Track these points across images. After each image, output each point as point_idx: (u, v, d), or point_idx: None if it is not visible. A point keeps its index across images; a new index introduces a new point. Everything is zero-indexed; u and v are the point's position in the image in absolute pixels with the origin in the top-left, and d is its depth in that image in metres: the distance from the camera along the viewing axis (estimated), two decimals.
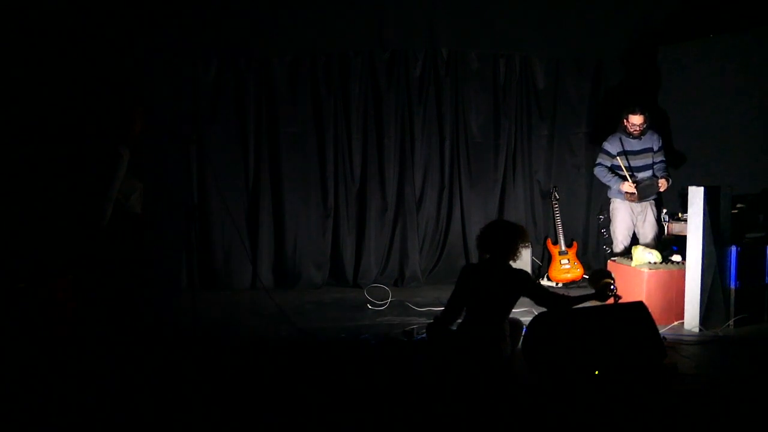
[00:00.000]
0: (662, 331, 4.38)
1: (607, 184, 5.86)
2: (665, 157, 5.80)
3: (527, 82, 6.70)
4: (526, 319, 4.20)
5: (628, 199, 5.71)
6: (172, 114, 5.54)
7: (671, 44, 6.38)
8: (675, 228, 5.64)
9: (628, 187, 5.62)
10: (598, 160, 5.89)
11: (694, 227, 4.94)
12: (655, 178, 5.67)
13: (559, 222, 6.43)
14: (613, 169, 5.78)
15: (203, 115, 6.22)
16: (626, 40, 6.60)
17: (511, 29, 6.49)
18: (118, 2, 5.45)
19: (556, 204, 6.46)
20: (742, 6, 5.72)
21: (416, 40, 6.45)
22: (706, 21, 5.99)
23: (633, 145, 5.72)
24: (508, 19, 6.43)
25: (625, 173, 5.64)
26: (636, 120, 5.64)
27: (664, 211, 5.81)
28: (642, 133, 5.69)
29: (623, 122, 5.73)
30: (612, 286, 4.01)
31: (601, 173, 5.86)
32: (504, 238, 4.07)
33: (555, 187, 6.57)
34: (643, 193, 5.64)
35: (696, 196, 4.91)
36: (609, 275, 4.34)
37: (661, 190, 5.67)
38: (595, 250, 6.88)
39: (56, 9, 5.26)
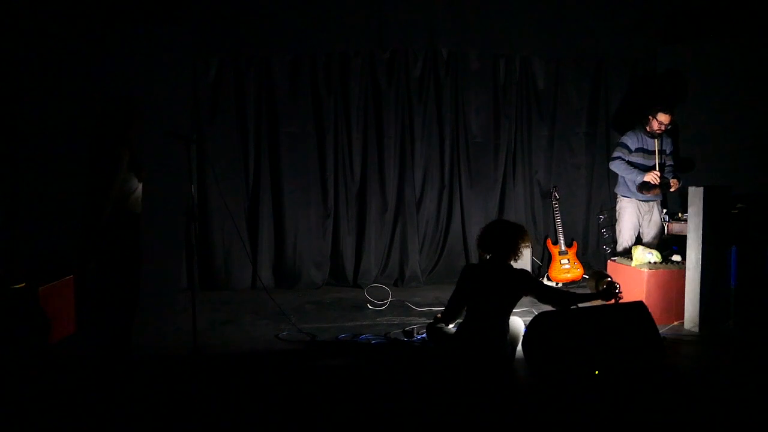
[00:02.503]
0: (662, 331, 4.39)
1: (627, 176, 5.73)
2: (674, 161, 5.81)
3: (527, 82, 6.69)
4: (526, 319, 4.21)
5: (644, 191, 5.65)
6: (172, 114, 5.54)
7: (671, 44, 6.38)
8: (675, 228, 5.65)
9: (654, 177, 5.55)
10: (617, 154, 5.79)
11: (694, 227, 4.95)
12: (665, 178, 5.68)
13: (559, 222, 6.43)
14: (633, 164, 5.73)
15: (203, 115, 6.22)
16: (626, 40, 6.60)
17: (511, 29, 6.50)
18: (119, 2, 5.45)
19: (556, 204, 6.46)
20: (741, 7, 5.72)
21: (416, 40, 6.45)
22: (706, 22, 6.00)
23: (649, 144, 5.70)
24: (508, 19, 6.45)
25: (656, 162, 5.60)
26: (665, 119, 5.58)
27: (664, 211, 5.81)
28: (661, 134, 5.68)
29: (649, 119, 5.64)
30: (616, 285, 4.03)
31: (620, 167, 5.75)
32: (505, 238, 4.08)
33: (555, 187, 6.57)
34: (661, 188, 5.64)
35: (696, 196, 4.91)
36: (607, 276, 4.35)
37: (672, 190, 5.68)
38: (595, 250, 6.88)
39: (56, 9, 5.26)
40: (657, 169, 5.60)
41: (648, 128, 5.66)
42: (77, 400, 3.64)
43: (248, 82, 6.28)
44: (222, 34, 6.13)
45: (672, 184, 5.63)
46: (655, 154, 5.67)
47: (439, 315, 4.28)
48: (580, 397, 3.62)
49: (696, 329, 4.86)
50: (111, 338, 3.88)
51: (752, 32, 5.69)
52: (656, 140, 5.65)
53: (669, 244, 5.60)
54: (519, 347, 4.07)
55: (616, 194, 5.96)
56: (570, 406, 3.53)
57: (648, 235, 5.80)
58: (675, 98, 6.29)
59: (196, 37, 6.01)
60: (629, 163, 5.72)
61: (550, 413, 3.46)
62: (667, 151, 5.77)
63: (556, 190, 6.52)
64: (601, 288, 4.25)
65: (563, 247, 6.38)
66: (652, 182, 5.57)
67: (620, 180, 5.86)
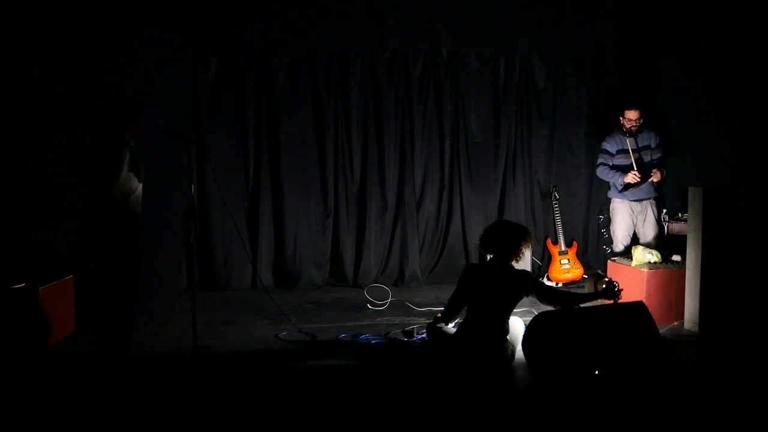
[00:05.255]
0: (662, 331, 4.39)
1: (612, 181, 5.86)
2: (662, 153, 5.85)
3: (527, 82, 6.69)
4: (526, 319, 4.21)
5: (630, 190, 5.70)
6: (172, 114, 5.54)
7: (671, 44, 6.38)
8: (675, 228, 5.65)
9: (632, 177, 5.63)
10: (600, 160, 5.94)
11: (693, 227, 4.95)
12: (646, 173, 5.72)
13: (559, 222, 6.43)
14: (616, 167, 5.79)
15: (203, 115, 6.22)
16: (626, 41, 6.61)
17: (511, 29, 6.50)
18: (119, 2, 5.45)
19: (556, 204, 6.46)
20: (739, 8, 5.72)
21: (416, 40, 6.45)
22: (706, 22, 5.99)
23: (631, 143, 5.75)
24: (508, 19, 6.45)
25: (633, 161, 5.67)
26: (632, 115, 5.71)
27: (664, 211, 5.83)
28: (639, 131, 5.73)
29: (620, 120, 5.80)
30: (615, 284, 4.04)
31: (603, 172, 5.90)
32: (508, 238, 4.08)
33: (555, 187, 6.57)
34: (644, 182, 5.70)
35: (695, 196, 4.91)
36: (604, 276, 4.35)
37: (653, 180, 5.69)
38: (595, 250, 6.88)
39: (55, 8, 5.26)
40: (635, 167, 5.65)
41: (624, 129, 5.76)
42: (77, 400, 3.64)
43: (248, 82, 6.27)
44: (222, 34, 6.13)
45: (653, 174, 5.67)
46: (639, 152, 5.75)
47: (439, 314, 4.29)
48: (580, 397, 3.62)
49: (696, 329, 4.86)
50: (110, 338, 3.88)
51: (751, 33, 5.68)
52: (629, 139, 5.72)
53: (669, 244, 5.60)
54: (519, 347, 4.07)
55: (610, 198, 6.00)
56: (570, 406, 3.53)
57: (645, 235, 5.81)
58: (641, 93, 6.36)
59: (196, 37, 6.01)
60: (615, 166, 5.81)
61: (550, 413, 3.46)
62: (652, 145, 5.81)
63: (556, 190, 6.52)
64: (600, 288, 4.25)
65: (563, 247, 6.38)
66: (631, 182, 5.64)
67: (611, 183, 5.90)
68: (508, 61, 6.63)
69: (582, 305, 4.08)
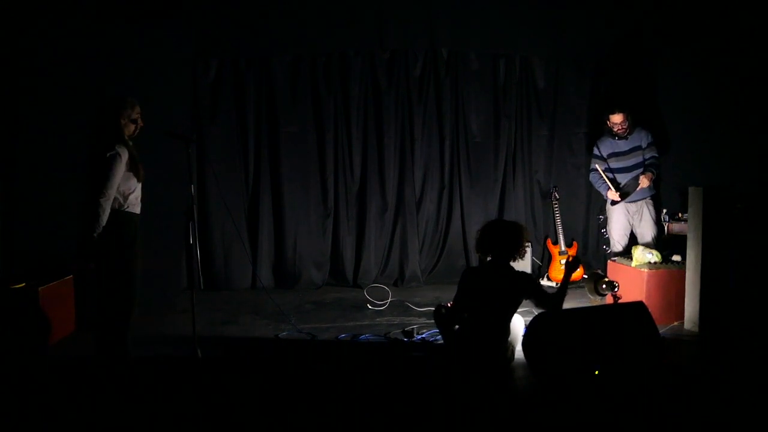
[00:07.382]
0: (662, 331, 4.38)
1: (599, 191, 5.94)
2: (656, 153, 5.84)
3: (527, 82, 6.69)
4: (527, 319, 4.21)
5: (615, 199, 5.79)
6: (172, 114, 5.54)
7: (671, 44, 6.38)
8: (675, 228, 5.65)
9: (612, 194, 5.74)
10: (592, 166, 5.99)
11: (693, 227, 4.94)
12: (629, 183, 5.76)
13: (559, 222, 6.43)
14: (606, 173, 5.82)
15: (203, 115, 6.23)
16: (626, 40, 6.61)
17: (511, 29, 6.50)
18: (118, 2, 5.45)
19: (556, 204, 6.46)
20: (738, 8, 5.71)
21: (416, 40, 6.45)
22: (706, 21, 5.99)
23: (621, 146, 5.79)
24: (508, 19, 6.45)
25: (607, 182, 5.75)
26: (616, 119, 5.71)
27: (664, 211, 5.82)
28: (629, 132, 5.73)
29: (607, 124, 5.81)
30: (615, 284, 4.04)
31: (593, 179, 5.97)
32: (508, 237, 4.04)
33: (555, 187, 6.57)
34: (625, 195, 5.75)
35: (695, 196, 4.91)
36: (604, 276, 4.34)
37: (642, 186, 5.69)
38: (595, 250, 6.87)
39: (54, 8, 5.26)
40: (611, 187, 5.72)
41: (612, 132, 5.79)
42: (77, 400, 3.64)
43: (248, 82, 6.28)
44: (222, 34, 6.14)
45: (640, 180, 5.69)
46: (629, 153, 5.78)
47: (449, 304, 4.17)
48: (580, 397, 3.62)
49: (696, 329, 4.86)
50: (110, 338, 3.87)
51: (751, 32, 5.68)
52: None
53: (669, 244, 5.60)
54: (519, 347, 4.06)
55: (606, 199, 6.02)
56: (570, 406, 3.53)
57: (643, 235, 5.81)
58: (639, 93, 6.39)
59: (196, 37, 6.01)
60: (608, 169, 5.83)
61: (550, 413, 3.46)
62: (643, 145, 5.81)
63: (556, 190, 6.52)
64: (600, 288, 4.25)
65: (563, 247, 6.38)
66: (615, 200, 5.73)
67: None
68: (508, 61, 6.64)
69: (566, 290, 4.01)
